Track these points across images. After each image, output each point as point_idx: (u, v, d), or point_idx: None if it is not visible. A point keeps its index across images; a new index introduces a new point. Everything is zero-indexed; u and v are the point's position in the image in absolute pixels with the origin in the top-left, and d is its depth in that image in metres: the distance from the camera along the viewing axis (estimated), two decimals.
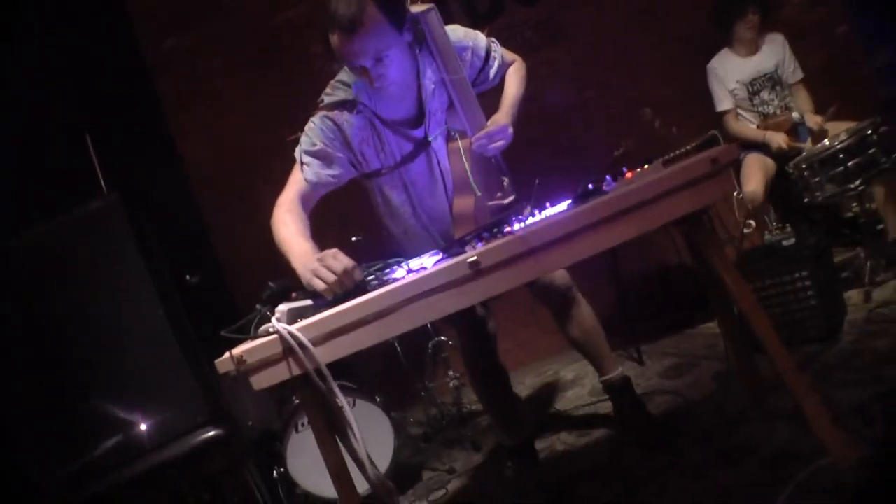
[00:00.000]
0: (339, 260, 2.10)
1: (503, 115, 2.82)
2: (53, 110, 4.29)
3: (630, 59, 5.03)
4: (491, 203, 2.76)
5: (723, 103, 4.58)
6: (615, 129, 4.84)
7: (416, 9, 2.63)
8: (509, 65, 3.03)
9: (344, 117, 2.70)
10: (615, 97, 5.03)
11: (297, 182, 2.68)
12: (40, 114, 4.16)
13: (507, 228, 1.98)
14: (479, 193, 2.72)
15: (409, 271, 1.97)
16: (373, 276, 2.04)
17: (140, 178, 4.46)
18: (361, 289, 2.01)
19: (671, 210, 1.84)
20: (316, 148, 2.68)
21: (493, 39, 2.99)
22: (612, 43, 5.06)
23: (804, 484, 2.32)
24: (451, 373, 4.43)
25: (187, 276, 3.70)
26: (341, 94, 2.73)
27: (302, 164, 2.69)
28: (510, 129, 2.71)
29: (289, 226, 2.50)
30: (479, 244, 1.94)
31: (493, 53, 2.93)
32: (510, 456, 3.35)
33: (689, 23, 4.82)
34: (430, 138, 2.80)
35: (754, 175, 4.29)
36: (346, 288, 2.03)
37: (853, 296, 3.83)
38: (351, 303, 1.89)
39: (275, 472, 3.74)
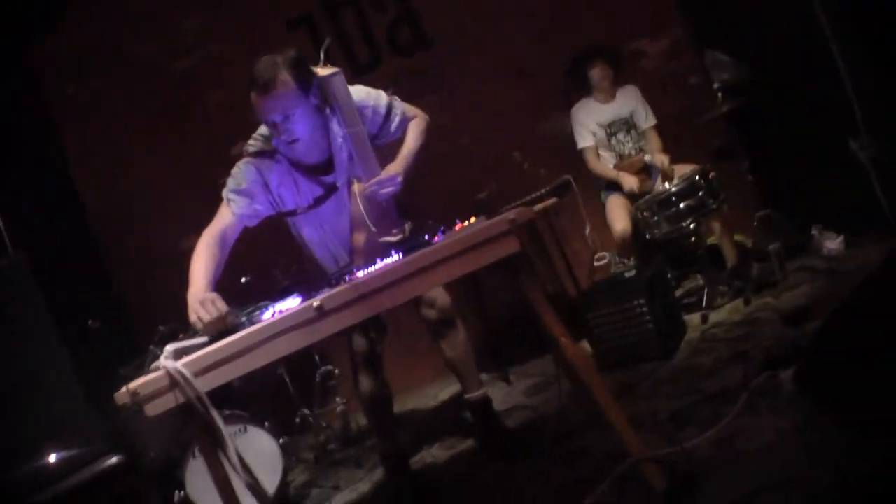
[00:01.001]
0: (216, 305, 2.53)
1: (395, 166, 3.21)
2: None
3: (501, 106, 5.45)
4: (383, 239, 3.11)
5: (583, 140, 5.05)
6: (487, 173, 5.25)
7: (324, 72, 3.08)
8: (410, 119, 3.43)
9: (265, 164, 3.17)
10: (488, 142, 5.44)
11: (222, 217, 3.10)
12: None
13: (349, 276, 2.43)
14: (373, 229, 3.10)
15: (274, 314, 2.38)
16: (245, 318, 2.44)
17: (44, 229, 4.69)
18: (234, 328, 2.41)
19: (478, 260, 2.30)
20: (241, 188, 3.12)
21: (396, 97, 3.41)
22: (483, 91, 5.48)
23: (616, 477, 2.77)
24: (338, 399, 4.78)
25: (89, 321, 3.98)
26: (262, 145, 3.20)
27: (228, 200, 3.11)
28: (399, 178, 3.12)
29: (199, 259, 2.89)
30: (328, 289, 2.37)
31: (394, 110, 3.36)
32: (385, 462, 3.76)
33: (556, 71, 5.27)
34: (338, 183, 3.22)
35: (620, 215, 4.78)
36: (218, 329, 2.44)
37: (693, 318, 4.34)
38: (223, 341, 2.29)
39: (176, 495, 4.03)
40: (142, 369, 2.40)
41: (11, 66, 5.32)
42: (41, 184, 5.12)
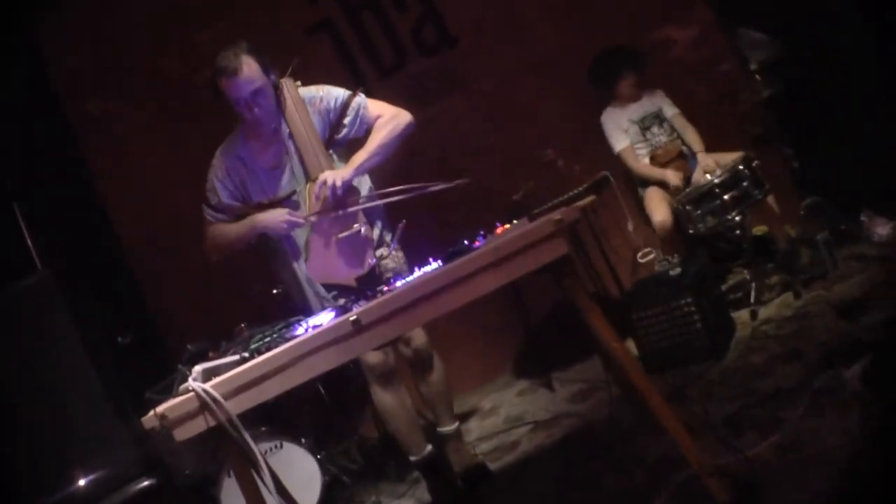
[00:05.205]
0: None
1: (343, 170, 3.26)
2: None
3: (528, 104, 5.25)
4: (342, 235, 3.26)
5: (619, 143, 4.88)
6: (519, 172, 5.07)
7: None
8: (377, 117, 3.39)
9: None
10: (516, 141, 5.26)
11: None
12: None
13: (386, 287, 2.28)
14: (313, 220, 3.25)
15: (307, 329, 2.24)
16: (276, 335, 2.32)
17: (71, 244, 4.64)
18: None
19: (525, 265, 2.15)
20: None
21: (360, 94, 3.42)
22: (510, 89, 5.29)
23: (676, 490, 2.63)
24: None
25: (119, 338, 3.89)
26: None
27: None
28: (334, 176, 3.17)
29: (227, 227, 3.41)
30: (363, 302, 2.23)
31: (351, 106, 3.36)
32: (422, 471, 3.67)
33: (583, 64, 5.06)
34: (296, 181, 3.34)
35: (659, 205, 4.61)
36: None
37: (741, 315, 4.15)
38: (255, 360, 2.16)
39: None
40: (170, 391, 2.30)
41: (31, 83, 5.26)
42: (69, 201, 5.09)
